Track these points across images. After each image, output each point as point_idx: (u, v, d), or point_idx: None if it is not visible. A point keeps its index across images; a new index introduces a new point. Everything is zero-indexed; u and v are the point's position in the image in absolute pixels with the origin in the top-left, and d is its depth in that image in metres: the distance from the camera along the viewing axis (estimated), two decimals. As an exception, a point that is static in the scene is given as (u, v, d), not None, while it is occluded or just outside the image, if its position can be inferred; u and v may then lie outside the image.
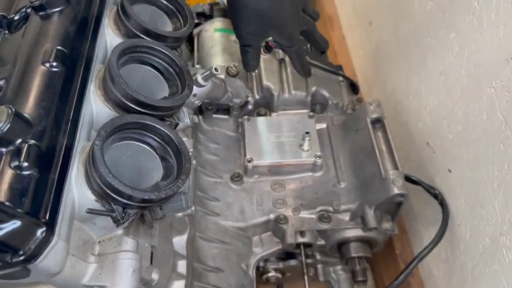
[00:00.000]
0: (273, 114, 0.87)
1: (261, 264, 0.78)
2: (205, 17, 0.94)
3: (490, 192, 0.63)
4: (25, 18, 0.56)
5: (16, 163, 0.41)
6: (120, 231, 0.51)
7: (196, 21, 0.90)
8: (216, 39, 0.87)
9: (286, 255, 0.80)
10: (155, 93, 0.57)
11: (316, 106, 0.86)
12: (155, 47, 0.57)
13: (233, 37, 0.87)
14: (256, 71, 0.88)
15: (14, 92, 0.47)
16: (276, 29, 0.67)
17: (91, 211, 0.47)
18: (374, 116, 0.77)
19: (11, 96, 0.46)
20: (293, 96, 0.85)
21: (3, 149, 0.42)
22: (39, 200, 0.42)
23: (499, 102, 0.60)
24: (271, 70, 0.86)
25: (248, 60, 0.70)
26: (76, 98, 0.50)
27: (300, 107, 0.86)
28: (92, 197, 0.47)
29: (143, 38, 0.58)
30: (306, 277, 0.74)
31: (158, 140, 0.52)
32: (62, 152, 0.46)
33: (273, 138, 0.80)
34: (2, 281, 0.44)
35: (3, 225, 0.39)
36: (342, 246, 0.76)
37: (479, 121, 0.65)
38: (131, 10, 0.58)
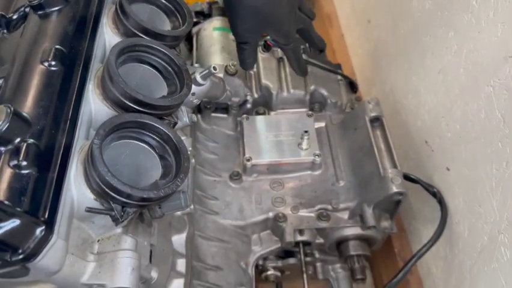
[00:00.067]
0: (272, 113, 0.87)
1: (260, 262, 0.78)
2: (203, 15, 0.94)
3: (488, 190, 0.63)
4: (24, 17, 0.56)
5: (15, 162, 0.41)
6: (119, 229, 0.51)
7: (194, 20, 0.90)
8: (214, 38, 0.87)
9: (285, 253, 0.80)
10: (154, 92, 0.57)
11: (315, 105, 0.87)
12: (153, 46, 0.57)
13: (232, 36, 0.87)
14: (255, 69, 0.88)
15: (12, 91, 0.47)
16: (272, 27, 0.67)
17: (90, 210, 0.47)
18: (373, 114, 0.77)
19: (10, 96, 0.46)
20: (292, 95, 0.86)
21: (2, 148, 0.42)
22: (38, 198, 0.42)
23: (497, 101, 0.60)
24: (270, 69, 0.87)
25: (245, 58, 0.71)
26: (74, 97, 0.50)
27: (299, 106, 0.86)
28: (91, 196, 0.47)
29: (141, 37, 0.58)
30: (305, 275, 0.74)
31: (157, 138, 0.52)
32: (61, 151, 0.46)
33: (271, 137, 0.80)
34: (2, 279, 0.44)
35: (2, 224, 0.39)
36: (341, 244, 0.77)
37: (478, 119, 0.65)
38: (130, 9, 0.58)
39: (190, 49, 0.92)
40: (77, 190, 0.47)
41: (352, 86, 0.92)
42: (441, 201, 0.74)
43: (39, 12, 0.54)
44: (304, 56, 0.89)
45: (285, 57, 0.89)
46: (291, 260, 0.79)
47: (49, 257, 0.42)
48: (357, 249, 0.76)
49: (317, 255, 0.82)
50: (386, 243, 0.89)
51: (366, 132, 0.76)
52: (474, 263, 0.68)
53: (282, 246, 0.76)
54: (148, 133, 0.52)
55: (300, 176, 0.79)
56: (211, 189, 0.78)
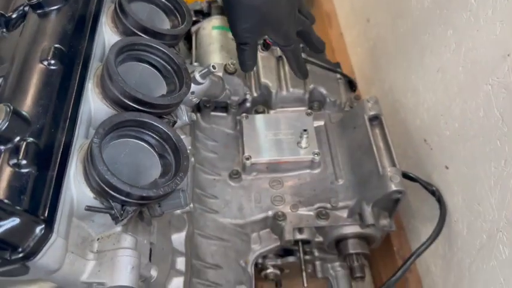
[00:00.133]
0: (271, 111, 0.87)
1: (260, 260, 0.79)
2: (203, 14, 0.94)
3: (487, 188, 0.63)
4: (23, 16, 0.56)
5: (15, 161, 0.41)
6: (119, 228, 0.51)
7: (194, 19, 0.90)
8: (213, 37, 0.87)
9: (285, 251, 0.80)
10: (153, 91, 0.58)
11: (314, 103, 0.87)
12: (153, 44, 0.57)
13: (231, 35, 0.87)
14: (254, 68, 0.88)
15: (12, 90, 0.47)
16: (271, 27, 0.67)
17: (89, 208, 0.47)
18: (372, 113, 0.77)
19: (9, 94, 0.47)
20: (291, 93, 0.86)
21: (2, 147, 0.42)
22: (38, 197, 0.42)
23: (496, 99, 0.60)
24: (269, 68, 0.87)
25: (245, 60, 0.70)
26: (74, 96, 0.50)
27: (298, 105, 0.87)
28: (91, 195, 0.47)
29: (141, 36, 0.59)
30: (304, 273, 0.75)
31: (156, 137, 0.52)
32: (61, 150, 0.46)
33: (271, 136, 0.80)
34: (2, 278, 0.44)
35: (2, 223, 0.39)
36: (340, 242, 0.77)
37: (476, 118, 0.65)
38: (129, 8, 0.58)
39: (190, 48, 0.92)
40: (76, 189, 0.47)
41: (351, 85, 0.92)
42: (440, 200, 0.74)
43: (39, 11, 0.54)
44: (303, 55, 0.89)
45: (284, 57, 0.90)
46: (291, 259, 0.79)
47: (49, 256, 0.42)
48: (356, 248, 0.76)
49: (316, 253, 0.82)
50: (385, 241, 0.89)
51: (365, 130, 0.76)
52: (473, 261, 0.68)
53: (281, 244, 0.76)
54: (147, 132, 0.52)
55: (299, 174, 0.79)
56: (211, 188, 0.78)
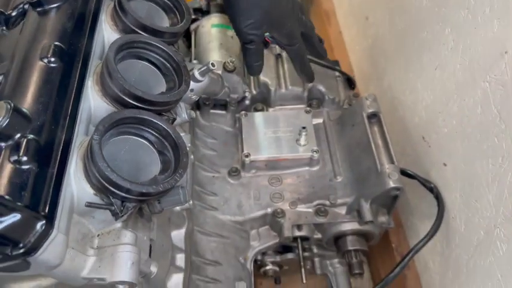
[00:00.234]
0: (270, 109, 0.87)
1: (259, 257, 0.79)
2: (202, 12, 0.94)
3: (485, 185, 0.64)
4: (23, 14, 0.56)
5: (15, 157, 0.42)
6: (119, 224, 0.51)
7: (193, 16, 0.90)
8: (213, 34, 0.88)
9: (284, 248, 0.81)
10: (153, 89, 0.58)
11: (313, 101, 0.87)
12: (152, 42, 0.57)
13: (230, 33, 0.88)
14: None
15: (12, 88, 0.47)
16: (275, 24, 0.66)
17: (89, 205, 0.47)
18: (370, 110, 0.78)
19: (10, 92, 0.47)
20: (290, 91, 0.86)
21: (3, 144, 0.42)
22: (39, 193, 0.42)
23: (493, 96, 0.61)
24: (268, 66, 0.87)
25: (251, 61, 0.68)
26: (74, 93, 0.50)
27: (297, 102, 0.87)
28: (91, 191, 0.47)
29: (140, 33, 0.59)
30: (303, 270, 0.75)
31: (156, 134, 0.52)
32: (61, 147, 0.46)
33: (270, 133, 0.80)
34: (3, 273, 0.44)
35: (3, 219, 0.40)
36: (338, 239, 0.77)
37: (474, 115, 0.65)
38: (129, 6, 0.58)
39: (189, 46, 0.92)
40: (77, 185, 0.47)
41: (350, 83, 0.93)
42: (438, 197, 0.75)
43: (38, 9, 0.54)
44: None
45: (283, 54, 0.90)
46: (290, 255, 0.80)
47: (50, 251, 0.43)
48: (354, 244, 0.76)
49: (315, 250, 0.82)
50: (384, 238, 0.90)
51: (364, 128, 0.76)
52: (470, 257, 0.69)
53: (280, 241, 0.76)
54: (147, 129, 0.52)
55: (298, 171, 0.79)
56: (210, 185, 0.78)
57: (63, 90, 0.49)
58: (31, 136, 0.43)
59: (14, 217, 0.40)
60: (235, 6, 0.64)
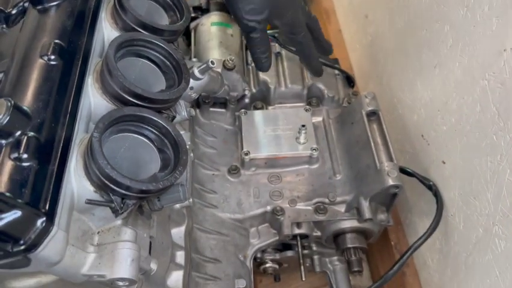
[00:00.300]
0: (270, 107, 0.87)
1: (258, 255, 0.79)
2: (201, 10, 0.94)
3: (483, 183, 0.64)
4: (23, 12, 0.56)
5: (16, 155, 0.42)
6: (119, 221, 0.51)
7: (192, 15, 0.90)
8: (212, 33, 0.88)
9: (283, 246, 0.81)
10: (153, 86, 0.58)
11: (313, 99, 0.87)
12: (152, 40, 0.58)
13: (229, 31, 0.88)
14: (253, 64, 0.88)
15: (12, 85, 0.47)
16: (276, 9, 0.63)
17: (90, 202, 0.47)
18: (370, 108, 0.78)
19: (10, 90, 0.47)
20: (289, 89, 0.86)
21: (3, 141, 0.43)
22: (39, 190, 0.42)
23: (492, 94, 0.61)
24: (268, 64, 0.87)
25: (258, 54, 0.64)
26: (74, 91, 0.51)
27: (296, 100, 0.87)
28: (91, 188, 0.48)
29: (140, 31, 0.59)
30: (302, 268, 0.75)
31: (156, 132, 0.52)
32: (61, 144, 0.46)
33: (269, 131, 0.80)
34: (3, 270, 0.45)
35: (3, 216, 0.40)
36: (338, 237, 0.77)
37: (473, 113, 0.65)
38: (128, 4, 0.58)
39: (189, 44, 0.92)
40: (77, 182, 0.47)
41: (349, 81, 0.93)
42: (437, 194, 0.75)
43: (38, 7, 0.55)
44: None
45: (283, 52, 0.90)
46: (289, 253, 0.80)
47: (50, 248, 0.43)
48: (354, 242, 0.76)
49: (314, 248, 0.83)
50: (383, 235, 0.90)
51: (363, 126, 0.77)
52: (469, 255, 0.69)
53: (279, 239, 0.76)
54: (146, 126, 0.52)
55: (298, 169, 0.79)
56: (210, 183, 0.78)
57: (63, 87, 0.50)
58: (31, 133, 0.44)
59: (14, 214, 0.40)
60: None
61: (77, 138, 0.50)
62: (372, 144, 0.74)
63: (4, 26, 0.58)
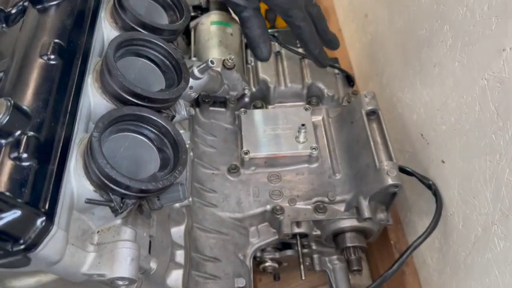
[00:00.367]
0: (269, 106, 0.87)
1: (258, 254, 0.79)
2: (201, 10, 0.94)
3: (482, 182, 0.64)
4: (22, 11, 0.56)
5: (15, 154, 0.42)
6: (118, 221, 0.52)
7: (192, 14, 0.90)
8: (212, 32, 0.88)
9: (283, 245, 0.81)
10: (152, 86, 0.58)
11: (312, 98, 0.87)
12: (151, 40, 0.58)
13: (229, 30, 0.88)
14: (253, 63, 0.89)
15: (12, 85, 0.48)
16: None
17: (89, 201, 0.47)
18: (369, 107, 0.78)
19: (10, 89, 0.47)
20: (289, 88, 0.86)
21: (3, 141, 0.43)
22: (39, 190, 0.42)
23: (491, 94, 0.61)
24: (268, 63, 0.87)
25: (255, 37, 0.58)
26: (73, 90, 0.51)
27: (296, 100, 0.87)
28: (91, 188, 0.48)
29: (139, 31, 0.59)
30: (302, 267, 0.75)
31: (155, 131, 0.53)
32: (61, 144, 0.46)
33: (269, 131, 0.80)
34: (3, 269, 0.45)
35: (3, 215, 0.40)
36: (337, 236, 0.78)
37: (472, 112, 0.65)
38: (128, 3, 0.58)
39: (188, 43, 0.92)
40: (76, 182, 0.48)
41: (349, 80, 0.93)
42: (436, 193, 0.75)
43: (38, 7, 0.55)
44: (300, 50, 0.89)
45: (282, 51, 0.90)
46: (289, 252, 0.80)
47: (50, 247, 0.43)
48: (353, 241, 0.77)
49: (314, 247, 0.83)
50: (382, 235, 0.90)
51: (363, 125, 0.77)
52: (468, 254, 0.69)
53: (279, 238, 0.77)
54: (146, 126, 0.53)
55: (297, 169, 0.80)
56: (210, 182, 0.78)
57: (63, 87, 0.50)
58: (31, 133, 0.44)
59: (14, 213, 0.40)
60: None
61: (77, 137, 0.50)
62: (372, 143, 0.74)
63: (4, 25, 0.58)
